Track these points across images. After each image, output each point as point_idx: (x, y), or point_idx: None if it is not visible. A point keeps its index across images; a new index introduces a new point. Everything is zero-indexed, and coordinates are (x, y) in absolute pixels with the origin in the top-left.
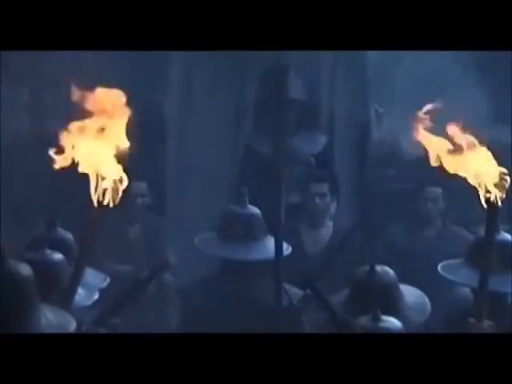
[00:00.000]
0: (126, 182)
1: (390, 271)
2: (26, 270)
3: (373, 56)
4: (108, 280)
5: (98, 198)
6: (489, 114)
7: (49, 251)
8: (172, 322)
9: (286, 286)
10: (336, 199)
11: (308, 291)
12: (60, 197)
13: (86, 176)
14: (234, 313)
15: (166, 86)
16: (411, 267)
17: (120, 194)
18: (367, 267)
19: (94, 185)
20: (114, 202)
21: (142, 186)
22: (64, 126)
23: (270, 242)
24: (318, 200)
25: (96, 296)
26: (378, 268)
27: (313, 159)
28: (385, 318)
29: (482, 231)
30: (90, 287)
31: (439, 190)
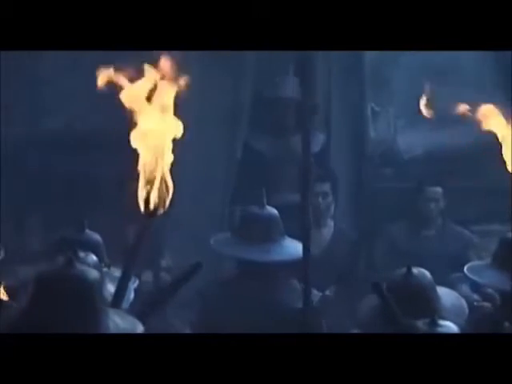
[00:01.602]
0: (171, 187)
1: (427, 273)
2: (93, 273)
3: (369, 55)
4: (137, 281)
5: (147, 204)
6: None
7: (82, 254)
8: (189, 324)
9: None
10: (335, 199)
11: (328, 292)
12: (57, 196)
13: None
14: (252, 314)
15: None
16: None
17: (169, 199)
18: (404, 269)
19: (144, 186)
20: (163, 207)
21: None
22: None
23: (288, 243)
24: (320, 199)
25: (132, 297)
26: (415, 270)
27: (312, 158)
28: (442, 322)
29: (481, 230)
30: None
31: (440, 190)
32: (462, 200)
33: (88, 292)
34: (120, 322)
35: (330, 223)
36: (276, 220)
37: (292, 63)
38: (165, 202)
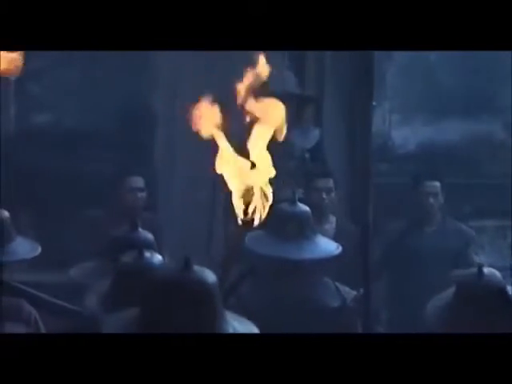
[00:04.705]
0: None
1: (497, 273)
2: (211, 276)
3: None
4: None
5: (245, 214)
6: (481, 109)
7: (148, 253)
8: None
9: (339, 286)
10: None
11: (362, 291)
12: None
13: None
14: (286, 313)
15: (156, 82)
16: (414, 263)
17: (266, 210)
18: (474, 269)
19: (241, 196)
20: (260, 218)
21: (139, 181)
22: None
23: (320, 240)
24: (324, 195)
25: None
26: (486, 270)
27: (308, 154)
28: None
29: (475, 226)
30: None
31: (438, 184)
32: (457, 195)
33: (208, 295)
34: (239, 327)
35: (332, 219)
36: (308, 217)
37: (284, 58)
38: (262, 212)
